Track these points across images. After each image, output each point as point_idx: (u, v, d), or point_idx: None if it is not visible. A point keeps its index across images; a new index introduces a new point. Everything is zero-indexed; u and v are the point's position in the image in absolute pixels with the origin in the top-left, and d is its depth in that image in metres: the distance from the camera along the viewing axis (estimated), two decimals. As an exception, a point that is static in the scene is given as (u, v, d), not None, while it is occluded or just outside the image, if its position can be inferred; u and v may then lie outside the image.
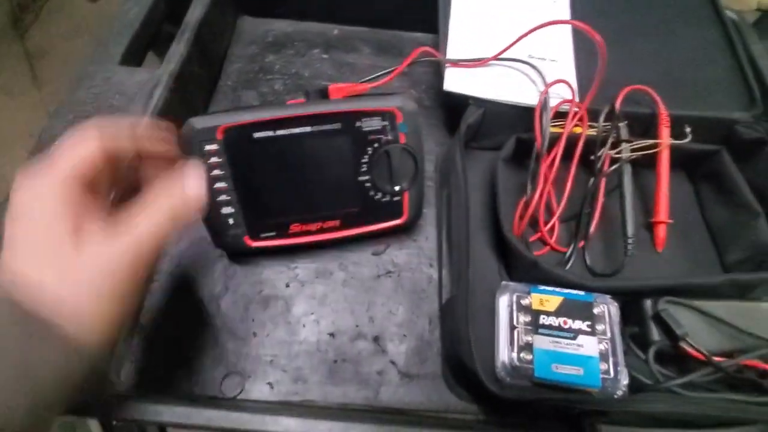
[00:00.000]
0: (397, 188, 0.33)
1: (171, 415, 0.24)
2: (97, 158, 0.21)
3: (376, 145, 0.32)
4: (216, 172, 0.30)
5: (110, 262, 0.20)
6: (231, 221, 0.32)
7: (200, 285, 0.35)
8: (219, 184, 0.31)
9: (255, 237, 0.33)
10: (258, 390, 0.31)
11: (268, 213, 0.33)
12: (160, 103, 0.36)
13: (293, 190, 0.32)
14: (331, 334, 0.33)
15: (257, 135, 0.30)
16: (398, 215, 0.35)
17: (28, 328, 0.18)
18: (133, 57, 0.40)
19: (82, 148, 0.21)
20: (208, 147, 0.30)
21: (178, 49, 0.39)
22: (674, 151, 0.38)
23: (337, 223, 0.34)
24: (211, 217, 0.32)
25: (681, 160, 0.40)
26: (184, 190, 0.23)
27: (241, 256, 0.36)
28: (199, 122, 0.29)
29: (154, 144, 0.24)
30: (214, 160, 0.30)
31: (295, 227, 0.33)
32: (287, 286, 0.35)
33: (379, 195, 0.34)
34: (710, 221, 0.39)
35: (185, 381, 0.31)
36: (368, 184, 0.33)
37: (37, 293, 0.18)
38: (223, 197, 0.31)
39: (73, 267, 0.19)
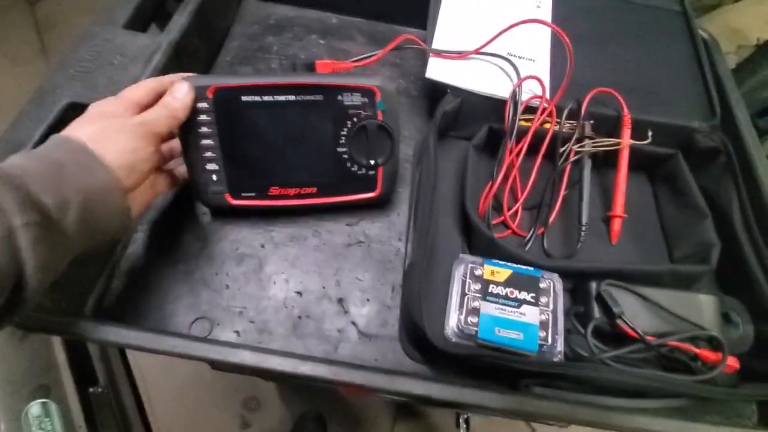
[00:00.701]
0: (372, 162, 0.36)
1: (137, 339, 0.26)
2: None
3: (355, 119, 0.34)
4: (204, 129, 0.33)
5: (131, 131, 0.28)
6: (214, 177, 0.34)
7: (181, 238, 0.37)
8: (205, 141, 0.33)
9: (235, 196, 0.35)
10: (225, 336, 0.33)
11: (250, 174, 0.35)
12: (159, 67, 0.38)
13: (275, 155, 0.35)
14: (299, 293, 0.36)
15: (245, 98, 0.32)
16: (372, 188, 0.37)
17: (67, 145, 0.26)
18: (137, 23, 0.42)
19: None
20: (199, 104, 0.32)
21: (179, 20, 0.41)
22: (636, 152, 0.40)
23: (313, 190, 0.36)
24: (196, 171, 0.34)
25: (642, 162, 0.43)
26: (175, 94, 0.31)
27: (221, 213, 0.38)
28: (194, 80, 0.32)
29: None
30: (203, 117, 0.32)
31: (273, 190, 0.36)
32: (262, 246, 0.38)
33: (355, 167, 0.36)
34: (664, 219, 0.42)
35: (157, 320, 0.33)
36: (345, 156, 0.35)
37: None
38: (208, 154, 0.33)
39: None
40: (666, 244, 0.40)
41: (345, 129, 0.35)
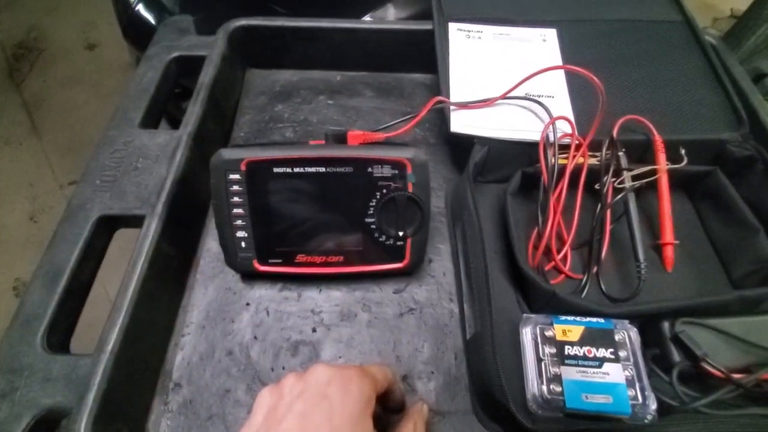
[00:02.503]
0: (401, 233, 0.35)
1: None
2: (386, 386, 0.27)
3: (384, 191, 0.34)
4: (235, 199, 0.33)
5: None
6: (243, 244, 0.35)
7: (230, 334, 0.36)
8: (236, 210, 0.34)
9: (263, 262, 0.36)
10: (295, 439, 0.32)
11: (277, 241, 0.35)
12: (182, 162, 0.38)
13: (303, 223, 0.35)
14: (362, 377, 0.34)
15: (276, 170, 0.33)
16: (400, 259, 0.36)
17: None
18: (151, 120, 0.42)
19: (386, 373, 0.28)
20: (231, 176, 0.33)
21: (194, 110, 0.41)
22: (672, 173, 0.40)
23: (341, 258, 0.36)
24: (226, 238, 0.34)
25: (680, 182, 0.42)
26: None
27: (250, 278, 0.38)
28: (227, 153, 0.33)
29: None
30: (235, 188, 0.33)
31: (300, 257, 0.36)
32: (314, 331, 0.36)
33: (383, 238, 0.35)
34: (713, 238, 0.41)
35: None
36: (373, 227, 0.35)
37: None
38: (238, 222, 0.34)
39: None
40: (721, 264, 0.39)
41: (374, 200, 0.34)
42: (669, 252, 0.38)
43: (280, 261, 0.36)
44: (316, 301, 0.38)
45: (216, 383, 0.34)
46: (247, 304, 0.37)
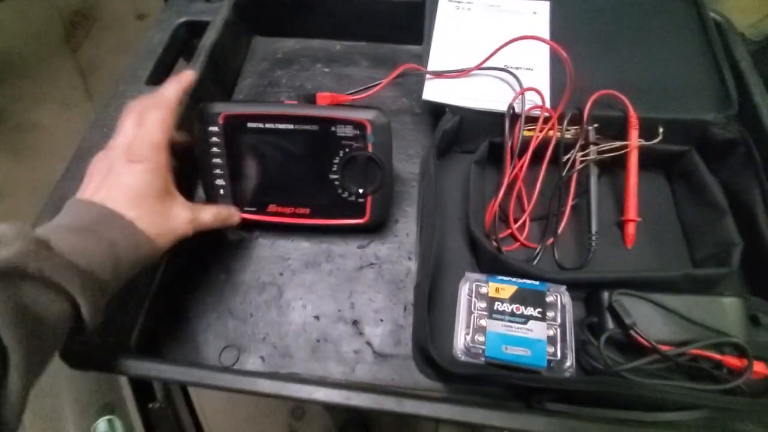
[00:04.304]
0: (361, 191, 0.38)
1: (171, 373, 0.29)
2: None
3: (347, 149, 0.36)
4: (214, 149, 0.37)
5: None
6: (222, 192, 0.39)
7: (207, 271, 0.40)
8: (215, 160, 0.37)
9: (239, 210, 0.39)
10: (251, 362, 0.36)
11: (252, 191, 0.39)
12: (181, 115, 0.42)
13: (274, 176, 0.38)
14: (316, 317, 0.38)
15: (250, 125, 0.36)
16: (362, 215, 0.39)
17: (119, 222, 0.28)
18: (158, 77, 0.46)
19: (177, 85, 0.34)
20: (210, 128, 0.36)
21: (193, 71, 0.45)
22: (648, 152, 0.39)
23: (306, 211, 0.39)
24: (207, 186, 0.39)
25: (657, 161, 0.42)
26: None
27: (243, 246, 0.42)
28: (207, 107, 0.36)
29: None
30: (214, 139, 0.37)
31: (272, 208, 0.39)
32: (281, 274, 0.40)
33: (346, 194, 0.38)
34: (683, 220, 0.40)
35: (192, 349, 0.36)
36: (337, 183, 0.38)
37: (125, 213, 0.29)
38: (217, 171, 0.38)
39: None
40: (687, 245, 0.39)
41: (337, 158, 0.37)
42: (630, 229, 0.39)
43: (254, 209, 0.39)
44: (286, 249, 0.41)
45: (192, 310, 0.39)
46: (227, 246, 0.42)
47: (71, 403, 0.50)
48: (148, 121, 0.31)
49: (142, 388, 0.50)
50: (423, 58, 0.44)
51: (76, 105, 1.62)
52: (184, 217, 0.33)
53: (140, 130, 0.31)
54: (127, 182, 0.29)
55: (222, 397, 1.01)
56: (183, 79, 0.35)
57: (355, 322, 0.38)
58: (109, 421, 0.49)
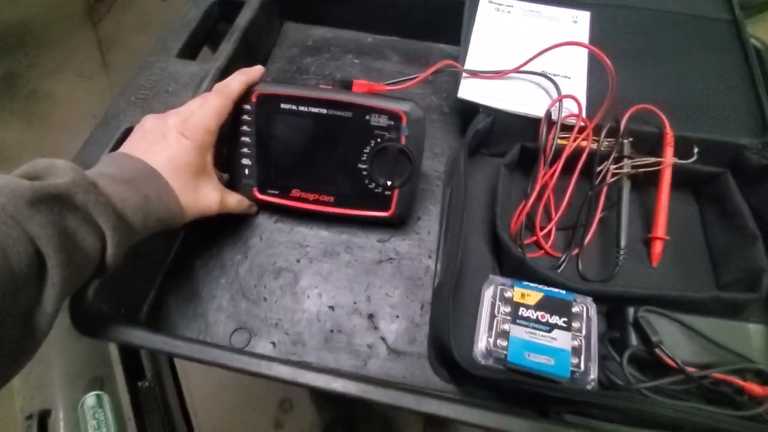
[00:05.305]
0: (389, 183, 0.37)
1: (183, 349, 0.29)
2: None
3: (379, 139, 0.35)
4: (244, 128, 0.37)
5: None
6: (246, 171, 0.38)
7: (223, 251, 0.40)
8: (244, 138, 0.37)
9: (262, 191, 0.39)
10: (262, 347, 0.35)
11: (276, 173, 0.38)
12: (206, 90, 0.41)
13: (301, 160, 0.37)
14: (331, 307, 0.37)
15: (283, 106, 0.36)
16: (386, 208, 0.38)
17: (157, 181, 0.30)
18: (189, 51, 0.46)
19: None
20: (243, 105, 0.36)
21: (226, 48, 0.44)
22: (681, 171, 0.39)
23: (331, 199, 0.38)
24: (232, 164, 0.38)
25: (688, 181, 0.41)
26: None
27: (261, 230, 0.41)
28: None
29: None
30: (245, 117, 0.36)
31: (295, 192, 0.38)
32: (298, 261, 0.39)
33: (372, 185, 0.37)
34: (710, 242, 0.39)
35: (202, 329, 0.36)
36: (365, 173, 0.37)
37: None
38: (244, 150, 0.37)
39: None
40: (713, 268, 0.38)
41: (368, 147, 0.36)
42: (657, 247, 0.38)
43: (277, 192, 0.39)
44: (305, 236, 0.41)
45: (205, 289, 0.38)
46: (245, 228, 0.41)
47: (61, 374, 0.49)
48: (208, 105, 0.34)
49: (133, 365, 0.49)
50: (460, 57, 0.44)
51: (91, 77, 1.61)
52: (213, 197, 0.35)
53: (199, 111, 0.33)
54: (173, 154, 0.32)
55: (210, 383, 1.00)
56: (251, 72, 0.36)
57: (370, 316, 0.37)
58: (98, 396, 0.48)
